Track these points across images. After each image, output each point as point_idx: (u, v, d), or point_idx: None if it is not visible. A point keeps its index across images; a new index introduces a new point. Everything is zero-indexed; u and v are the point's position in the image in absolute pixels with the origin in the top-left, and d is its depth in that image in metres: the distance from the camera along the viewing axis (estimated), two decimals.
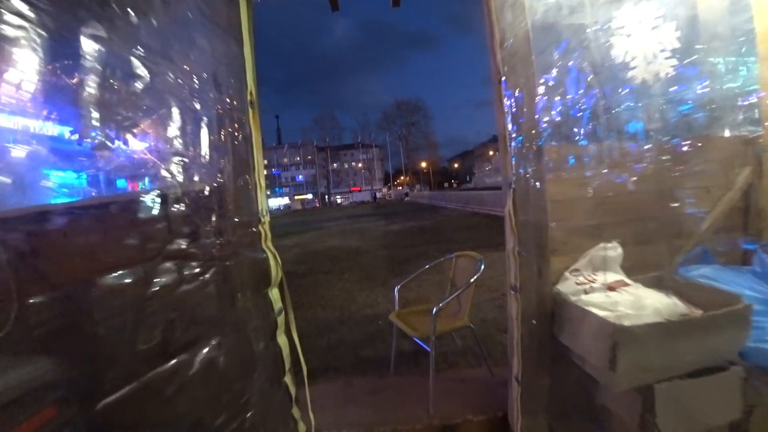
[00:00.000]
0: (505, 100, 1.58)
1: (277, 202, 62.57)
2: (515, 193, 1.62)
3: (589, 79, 1.90)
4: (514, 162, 1.59)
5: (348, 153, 68.62)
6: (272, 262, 1.55)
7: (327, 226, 16.70)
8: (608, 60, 1.90)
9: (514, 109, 1.59)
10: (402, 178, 69.39)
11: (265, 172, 1.61)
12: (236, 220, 1.39)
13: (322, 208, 51.32)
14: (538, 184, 1.66)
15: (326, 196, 64.28)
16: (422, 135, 66.15)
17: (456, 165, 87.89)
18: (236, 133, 1.45)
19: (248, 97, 1.54)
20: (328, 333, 3.49)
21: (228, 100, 1.44)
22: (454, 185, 73.99)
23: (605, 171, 1.93)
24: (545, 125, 1.68)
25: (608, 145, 1.97)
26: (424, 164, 68.07)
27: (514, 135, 1.61)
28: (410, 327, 2.18)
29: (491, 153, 65.96)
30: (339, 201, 63.77)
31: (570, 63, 1.80)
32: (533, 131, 1.60)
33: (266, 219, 1.57)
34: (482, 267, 2.23)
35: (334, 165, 67.77)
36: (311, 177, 65.41)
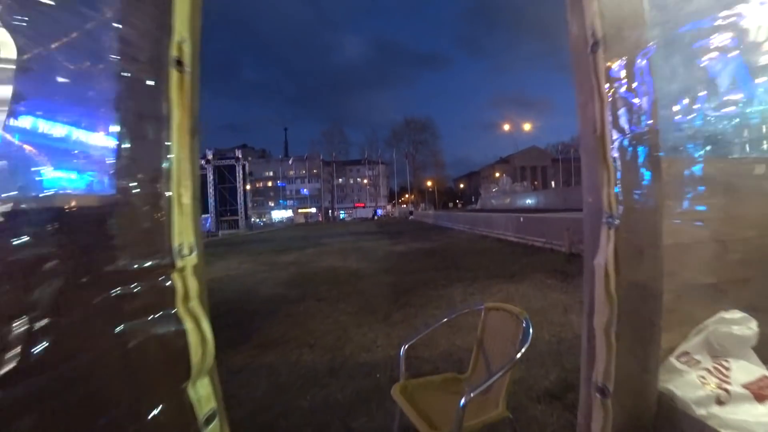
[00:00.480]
0: (605, 77, 0.93)
1: (281, 214, 62.69)
2: (618, 234, 0.95)
3: (705, 62, 1.25)
4: (620, 179, 0.93)
5: (354, 168, 68.28)
6: (193, 338, 0.88)
7: (328, 243, 15.96)
8: (741, 38, 1.26)
9: (619, 92, 0.94)
10: (407, 195, 68.76)
11: (193, 187, 0.94)
12: (114, 265, 0.73)
13: (325, 223, 50.66)
14: (654, 218, 0.99)
15: (330, 211, 63.59)
16: (430, 153, 65.71)
17: (462, 185, 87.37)
18: (132, 109, 0.80)
19: (172, 52, 0.90)
20: (312, 387, 2.76)
21: (124, 49, 0.80)
22: (459, 205, 73.25)
23: (731, 200, 1.27)
24: (667, 123, 1.02)
25: (735, 163, 1.32)
26: (429, 183, 67.53)
27: (616, 137, 0.95)
28: (423, 417, 1.47)
29: (497, 175, 65.48)
30: (342, 216, 63.19)
31: (694, 30, 1.16)
32: (653, 132, 0.95)
33: (189, 261, 0.90)
34: (530, 332, 1.53)
35: (340, 180, 67.32)
36: (316, 191, 64.93)
